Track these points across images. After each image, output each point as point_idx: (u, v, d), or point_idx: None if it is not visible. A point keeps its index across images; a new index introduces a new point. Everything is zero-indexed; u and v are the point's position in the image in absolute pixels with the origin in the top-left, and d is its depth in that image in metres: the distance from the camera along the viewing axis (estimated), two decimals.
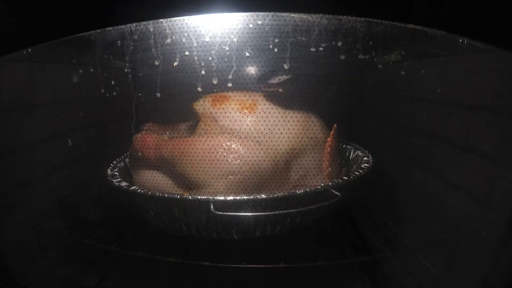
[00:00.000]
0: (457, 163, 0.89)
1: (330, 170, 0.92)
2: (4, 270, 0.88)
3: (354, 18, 0.75)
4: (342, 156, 1.17)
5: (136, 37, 0.78)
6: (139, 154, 0.94)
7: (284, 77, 0.83)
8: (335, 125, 0.95)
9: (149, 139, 0.94)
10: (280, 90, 0.87)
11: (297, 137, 0.90)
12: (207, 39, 0.78)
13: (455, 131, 0.89)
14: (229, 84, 0.81)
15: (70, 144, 0.99)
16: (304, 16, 0.75)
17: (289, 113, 0.90)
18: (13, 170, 0.90)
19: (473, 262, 0.85)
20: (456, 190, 0.90)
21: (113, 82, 0.87)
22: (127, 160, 1.11)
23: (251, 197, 0.82)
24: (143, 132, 0.96)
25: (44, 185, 0.97)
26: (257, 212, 0.83)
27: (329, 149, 0.92)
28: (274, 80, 0.85)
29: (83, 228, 1.00)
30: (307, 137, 0.91)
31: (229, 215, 0.83)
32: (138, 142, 0.95)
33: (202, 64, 0.80)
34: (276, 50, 0.79)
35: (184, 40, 0.78)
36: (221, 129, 0.90)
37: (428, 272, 0.91)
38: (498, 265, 0.81)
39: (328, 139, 0.93)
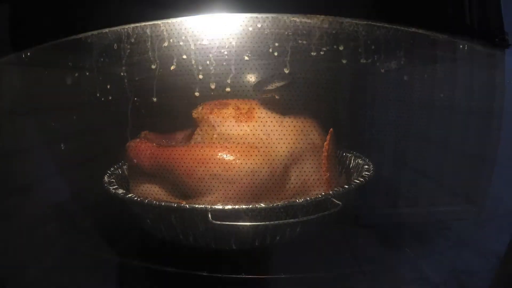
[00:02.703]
0: (458, 169, 0.89)
1: (328, 175, 0.91)
2: None
3: (355, 21, 0.74)
4: (343, 165, 1.16)
5: (132, 40, 0.77)
6: (137, 161, 0.93)
7: (280, 83, 0.83)
8: (331, 129, 0.94)
9: (142, 147, 0.92)
10: (277, 96, 0.86)
11: (295, 143, 0.88)
12: (205, 42, 0.77)
13: (457, 137, 0.89)
14: (228, 89, 0.80)
15: (66, 149, 0.98)
16: (305, 18, 0.74)
17: (287, 119, 0.89)
18: (8, 176, 0.89)
19: (474, 266, 0.85)
20: (456, 196, 0.89)
21: (109, 86, 0.87)
22: (124, 167, 1.10)
23: (250, 206, 0.80)
24: (137, 140, 0.95)
25: (40, 191, 0.96)
26: (256, 222, 0.82)
27: (326, 153, 0.91)
28: (270, 87, 0.84)
29: (79, 235, 0.99)
30: (305, 143, 0.90)
31: (228, 224, 0.81)
32: (131, 150, 0.94)
33: (200, 68, 0.79)
34: (276, 54, 0.78)
35: (181, 43, 0.77)
36: (219, 135, 0.89)
37: (430, 280, 0.90)
38: (500, 269, 0.81)
39: (325, 143, 0.92)
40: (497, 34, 0.76)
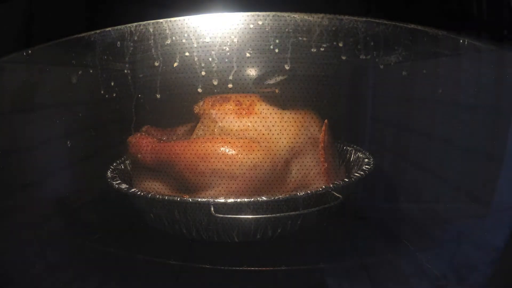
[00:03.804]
0: (457, 163, 0.89)
1: (327, 166, 0.92)
2: (3, 273, 0.87)
3: (355, 18, 0.75)
4: (343, 158, 1.17)
5: (136, 38, 0.78)
6: (139, 156, 0.94)
7: (280, 77, 0.83)
8: (325, 120, 0.94)
9: (143, 142, 0.92)
10: (277, 90, 0.87)
11: (296, 137, 0.89)
12: (207, 39, 0.77)
13: (455, 131, 0.89)
14: (230, 85, 0.81)
15: (69, 145, 0.99)
16: (305, 16, 0.75)
17: (287, 113, 0.90)
18: (13, 172, 0.89)
19: (474, 262, 0.85)
20: (456, 190, 0.90)
21: (112, 83, 0.87)
22: (127, 162, 1.11)
23: (252, 199, 0.81)
24: (138, 135, 0.95)
25: (44, 187, 0.96)
26: (258, 215, 0.83)
27: (322, 144, 0.92)
28: (271, 81, 0.85)
29: (83, 230, 0.99)
30: (305, 137, 0.91)
31: (230, 217, 0.82)
32: (132, 145, 0.94)
33: (202, 65, 0.79)
34: (277, 50, 0.78)
35: (184, 40, 0.77)
36: (221, 130, 0.90)
37: (429, 273, 0.91)
38: (500, 265, 0.81)
39: (321, 134, 0.93)
40: (506, 27, 0.75)
